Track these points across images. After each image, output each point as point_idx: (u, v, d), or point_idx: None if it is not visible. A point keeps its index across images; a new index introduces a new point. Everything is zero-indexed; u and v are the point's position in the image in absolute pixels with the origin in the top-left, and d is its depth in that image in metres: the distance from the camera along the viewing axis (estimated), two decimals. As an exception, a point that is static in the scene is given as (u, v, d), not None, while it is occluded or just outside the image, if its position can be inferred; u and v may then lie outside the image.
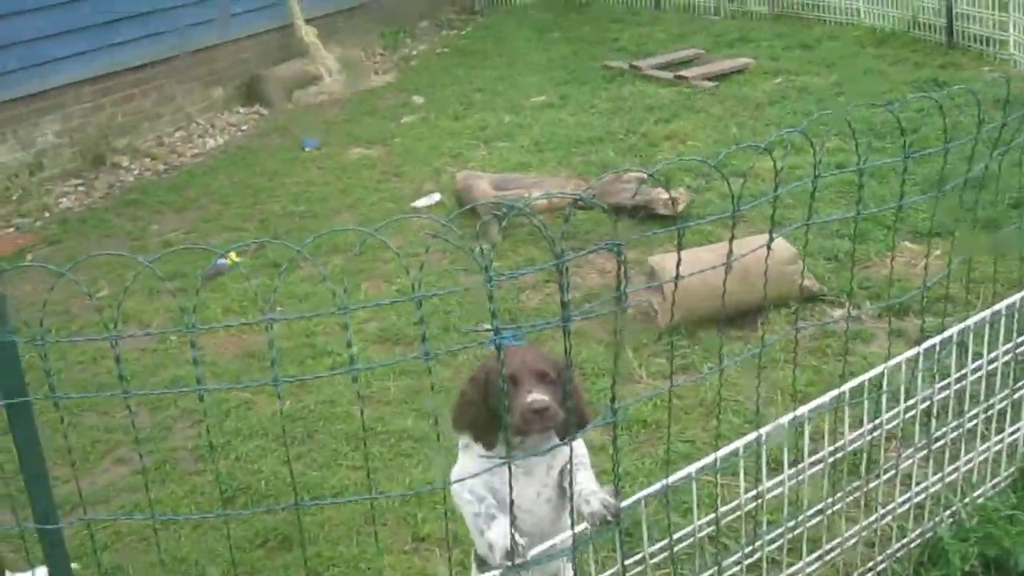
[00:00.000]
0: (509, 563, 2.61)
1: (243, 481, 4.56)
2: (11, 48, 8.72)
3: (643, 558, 2.87)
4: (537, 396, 2.74)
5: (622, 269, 2.50)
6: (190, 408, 5.23)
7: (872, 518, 3.45)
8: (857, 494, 3.38)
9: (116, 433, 5.13)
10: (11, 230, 8.26)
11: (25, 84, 8.95)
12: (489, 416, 2.82)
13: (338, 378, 5.18)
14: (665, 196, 6.53)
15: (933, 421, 3.46)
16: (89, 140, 9.55)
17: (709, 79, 9.66)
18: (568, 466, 2.59)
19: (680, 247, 2.52)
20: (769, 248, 2.77)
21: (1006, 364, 3.61)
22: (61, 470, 3.88)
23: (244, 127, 10.49)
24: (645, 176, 7.04)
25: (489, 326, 5.55)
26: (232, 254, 6.85)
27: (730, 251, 2.67)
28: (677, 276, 2.60)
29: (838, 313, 5.52)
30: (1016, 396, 3.72)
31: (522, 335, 5.24)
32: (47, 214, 8.56)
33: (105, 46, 9.63)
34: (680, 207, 6.67)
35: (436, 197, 7.64)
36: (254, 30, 11.30)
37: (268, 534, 4.17)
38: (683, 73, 9.84)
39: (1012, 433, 3.75)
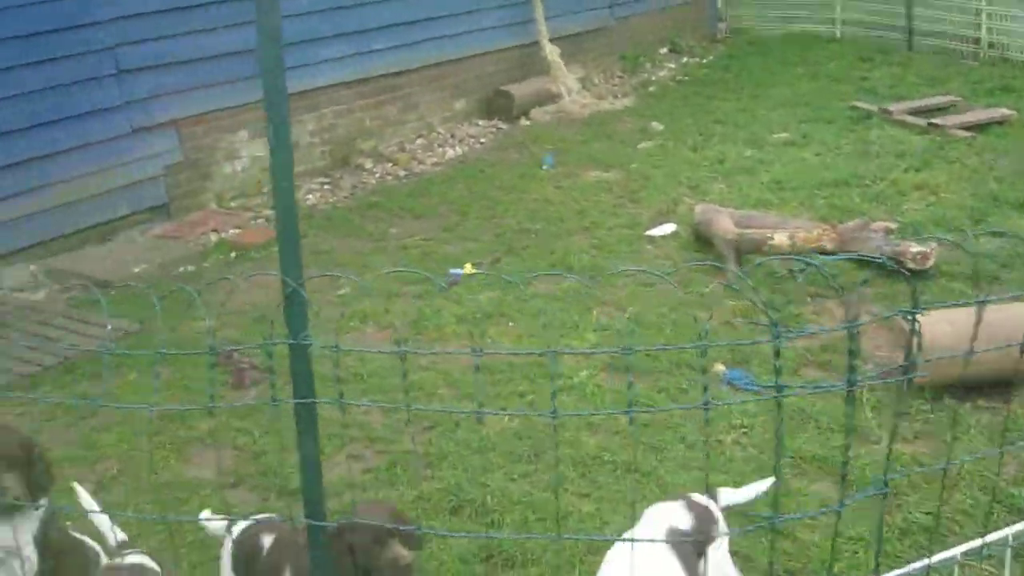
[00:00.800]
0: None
1: (470, 493, 4.62)
2: (284, 49, 9.20)
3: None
4: None
5: (915, 340, 2.41)
6: (422, 413, 5.35)
7: None
8: None
9: (351, 429, 5.31)
10: (261, 220, 8.72)
11: (291, 83, 9.42)
12: None
13: (568, 401, 5.21)
14: (915, 250, 6.27)
15: None
16: (338, 141, 9.99)
17: (966, 128, 9.21)
18: None
19: (980, 319, 2.41)
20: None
21: None
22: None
23: (483, 140, 10.73)
24: (894, 227, 6.78)
25: (726, 370, 5.51)
26: (468, 265, 7.01)
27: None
28: (972, 351, 2.48)
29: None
30: None
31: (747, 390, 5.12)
32: (294, 208, 8.98)
33: (364, 52, 10.07)
34: (929, 263, 6.38)
35: (672, 227, 7.57)
36: (499, 46, 11.56)
37: (493, 550, 4.22)
38: (937, 120, 9.42)
39: None
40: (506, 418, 5.20)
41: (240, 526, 3.49)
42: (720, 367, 5.58)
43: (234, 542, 3.40)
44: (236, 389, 5.72)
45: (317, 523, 2.53)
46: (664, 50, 13.81)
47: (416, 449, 5.00)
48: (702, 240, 7.12)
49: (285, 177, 2.40)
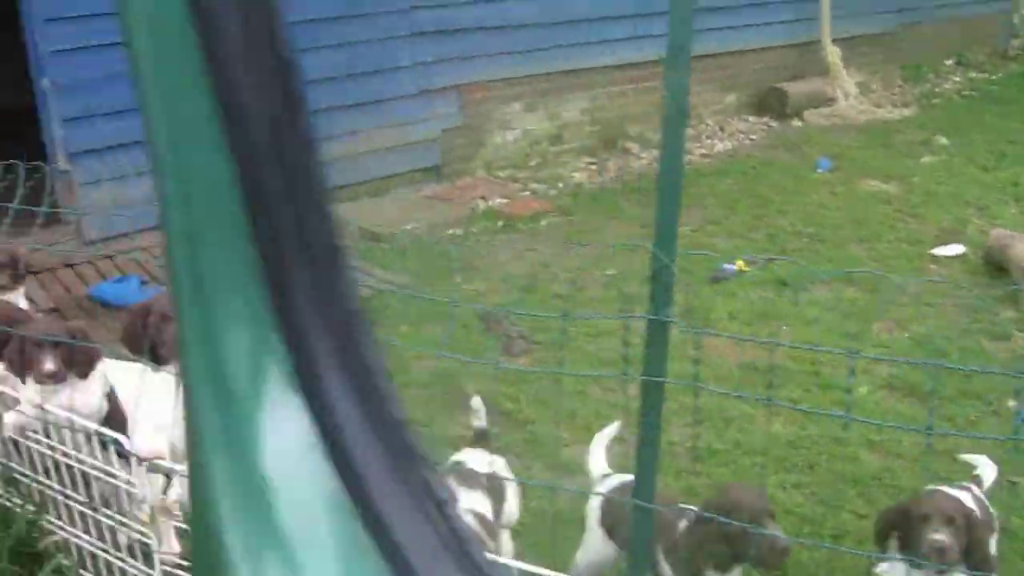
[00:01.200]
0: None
1: (739, 495, 4.50)
2: (555, 27, 9.27)
3: None
4: None
5: None
6: (687, 405, 5.24)
7: None
8: None
9: (616, 410, 5.27)
10: (527, 194, 8.81)
11: (562, 62, 9.49)
12: None
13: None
14: None
15: None
16: (607, 123, 9.97)
17: None
18: None
19: None
20: None
21: None
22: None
23: (752, 136, 10.48)
24: None
25: (1020, 407, 5.14)
26: (740, 262, 6.84)
27: None
28: None
29: None
30: None
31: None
32: (560, 184, 9.04)
33: (641, 36, 9.98)
34: None
35: (959, 249, 7.14)
36: (777, 42, 11.25)
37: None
38: None
39: None
40: (778, 424, 5.05)
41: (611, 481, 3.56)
42: (1013, 404, 5.22)
43: (605, 500, 3.50)
44: (505, 356, 5.79)
45: (645, 504, 2.49)
46: (950, 62, 13.09)
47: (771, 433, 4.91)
48: (993, 266, 6.69)
49: (675, 135, 2.35)
